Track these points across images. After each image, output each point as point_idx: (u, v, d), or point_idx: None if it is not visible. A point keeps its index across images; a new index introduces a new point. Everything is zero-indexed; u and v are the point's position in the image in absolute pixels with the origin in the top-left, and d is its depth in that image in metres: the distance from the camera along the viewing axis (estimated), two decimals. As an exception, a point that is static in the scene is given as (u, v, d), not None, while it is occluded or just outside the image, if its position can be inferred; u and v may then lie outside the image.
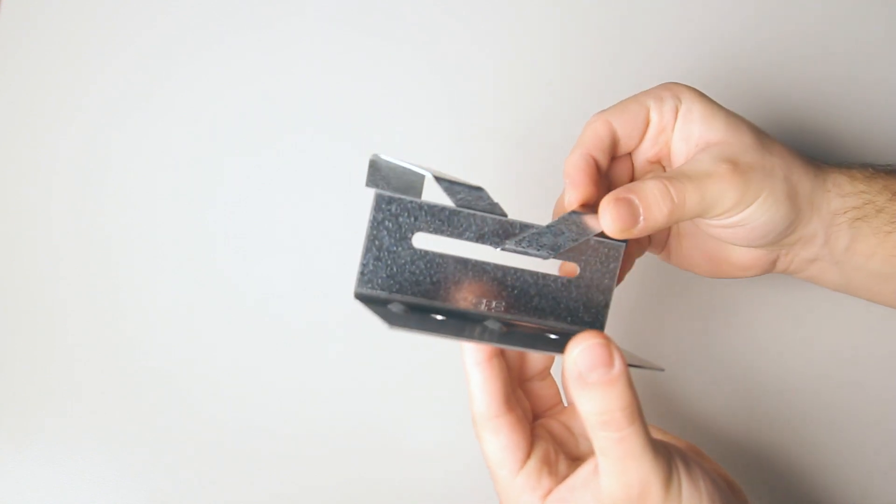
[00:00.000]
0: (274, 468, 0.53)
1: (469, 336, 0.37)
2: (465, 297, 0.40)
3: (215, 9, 0.59)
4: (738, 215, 0.42)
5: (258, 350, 0.54)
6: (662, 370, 0.41)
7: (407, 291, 0.39)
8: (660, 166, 0.46)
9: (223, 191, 0.56)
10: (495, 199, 0.41)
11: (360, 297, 0.39)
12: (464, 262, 0.40)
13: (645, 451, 0.36)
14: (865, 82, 0.57)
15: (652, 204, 0.40)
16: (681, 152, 0.44)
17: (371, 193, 0.40)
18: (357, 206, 0.56)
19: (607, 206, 0.40)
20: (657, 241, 0.48)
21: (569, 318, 0.42)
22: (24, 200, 0.56)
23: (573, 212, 0.41)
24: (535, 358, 0.42)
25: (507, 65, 0.58)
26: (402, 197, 0.39)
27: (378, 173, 0.39)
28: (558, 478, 0.40)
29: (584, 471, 0.38)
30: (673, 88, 0.44)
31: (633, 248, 0.46)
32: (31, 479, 0.52)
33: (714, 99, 0.44)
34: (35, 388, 0.54)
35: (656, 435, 0.41)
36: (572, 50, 0.58)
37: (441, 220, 0.39)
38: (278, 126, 0.57)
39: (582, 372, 0.35)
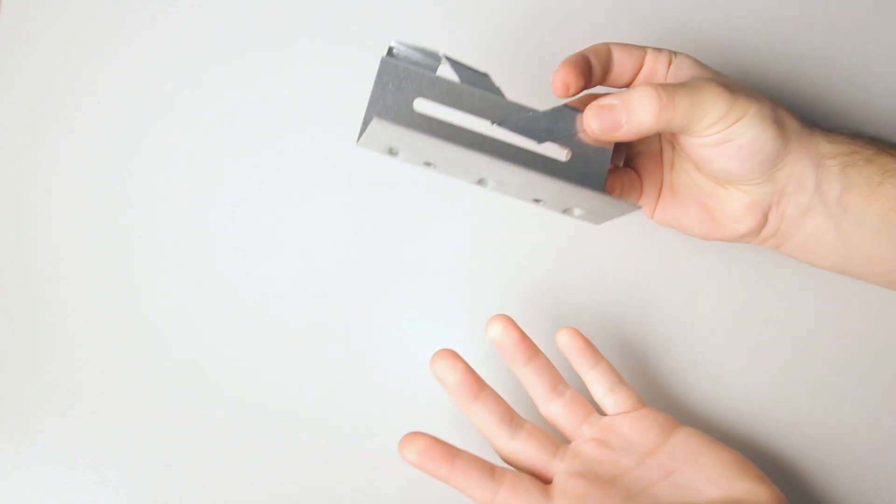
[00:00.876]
0: (274, 468, 0.53)
1: (457, 139, 0.41)
2: (458, 167, 0.42)
3: (215, 9, 0.59)
4: (725, 129, 0.43)
5: (258, 350, 0.54)
6: (639, 207, 0.44)
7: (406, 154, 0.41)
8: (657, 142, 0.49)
9: (223, 191, 0.56)
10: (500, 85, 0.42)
11: (369, 131, 0.40)
12: (463, 130, 0.42)
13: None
14: (849, 62, 0.57)
15: (637, 105, 0.42)
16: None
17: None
18: (357, 206, 0.56)
19: (590, 109, 0.43)
20: (647, 195, 0.49)
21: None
22: (24, 200, 0.56)
23: (566, 105, 0.44)
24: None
25: (507, 65, 0.58)
26: (408, 66, 0.40)
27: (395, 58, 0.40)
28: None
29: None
30: (671, 50, 0.47)
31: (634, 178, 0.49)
32: (31, 479, 0.52)
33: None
34: (35, 388, 0.54)
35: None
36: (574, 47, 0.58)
37: (442, 92, 0.41)
38: (278, 126, 0.57)
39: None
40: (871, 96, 0.57)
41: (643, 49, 0.46)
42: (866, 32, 0.57)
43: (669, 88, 0.42)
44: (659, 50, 0.46)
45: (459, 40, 0.58)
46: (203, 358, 0.54)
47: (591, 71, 0.45)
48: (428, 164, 0.42)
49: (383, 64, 0.40)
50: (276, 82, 0.58)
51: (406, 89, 0.40)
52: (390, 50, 0.41)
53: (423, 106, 0.41)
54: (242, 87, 0.58)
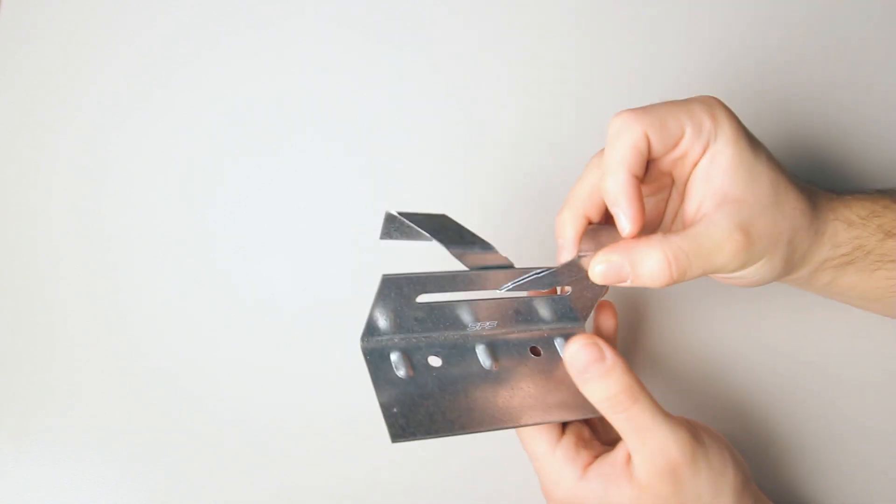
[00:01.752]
0: (274, 468, 0.53)
1: (469, 428, 0.41)
2: (462, 325, 0.43)
3: (215, 9, 0.59)
4: (734, 274, 0.43)
5: (258, 350, 0.54)
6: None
7: (408, 331, 0.42)
8: (669, 178, 0.46)
9: (223, 191, 0.56)
10: (503, 252, 0.43)
11: (365, 352, 0.41)
12: (458, 305, 0.43)
13: (655, 421, 0.41)
14: (884, 94, 0.57)
15: (645, 274, 0.41)
16: (697, 191, 0.43)
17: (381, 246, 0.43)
18: (357, 205, 0.56)
19: (598, 265, 0.42)
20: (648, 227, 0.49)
21: (554, 318, 0.45)
22: (24, 200, 0.56)
23: (575, 258, 0.44)
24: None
25: (508, 66, 0.58)
26: (409, 275, 0.41)
27: (392, 225, 0.41)
28: (594, 453, 0.44)
29: (620, 455, 0.42)
30: (713, 114, 0.43)
31: None
32: (31, 479, 0.52)
33: (743, 124, 0.43)
34: (35, 388, 0.54)
35: None
36: (575, 50, 0.58)
37: (446, 282, 0.42)
38: (278, 126, 0.57)
39: (580, 370, 0.41)
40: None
41: (681, 124, 0.42)
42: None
43: (683, 260, 0.41)
44: (699, 125, 0.42)
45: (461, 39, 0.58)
46: (203, 358, 0.54)
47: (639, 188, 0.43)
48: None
49: (384, 282, 0.40)
50: (275, 83, 0.58)
51: (407, 293, 0.41)
52: (388, 216, 0.41)
53: (426, 297, 0.42)
54: (242, 87, 0.58)
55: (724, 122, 0.43)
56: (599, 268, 0.42)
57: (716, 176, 0.43)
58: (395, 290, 0.41)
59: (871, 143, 0.57)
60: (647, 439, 0.41)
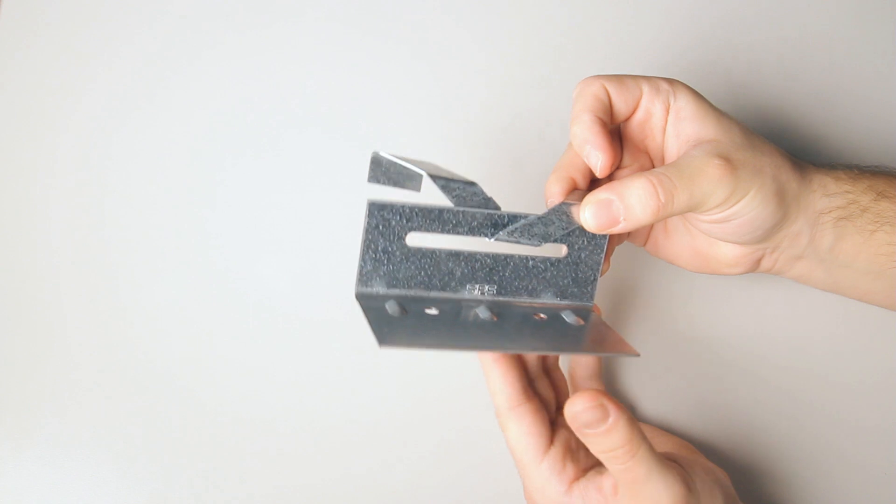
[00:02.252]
0: (274, 468, 0.53)
1: (458, 344, 0.40)
2: (459, 286, 0.43)
3: (216, 9, 0.59)
4: (727, 210, 0.43)
5: (258, 350, 0.54)
6: (637, 355, 0.43)
7: (403, 285, 0.42)
8: (646, 155, 0.47)
9: (223, 190, 0.56)
10: (489, 194, 0.42)
11: (360, 297, 0.41)
12: (456, 254, 0.42)
13: (651, 475, 0.40)
14: (854, 83, 0.57)
15: (636, 204, 0.41)
16: (672, 147, 0.45)
17: (369, 192, 0.41)
18: (357, 205, 0.56)
19: (587, 206, 0.42)
20: (638, 234, 0.49)
21: (559, 295, 0.45)
22: (23, 200, 0.56)
23: (563, 203, 0.43)
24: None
25: (504, 61, 0.58)
26: (394, 202, 0.40)
27: (379, 169, 0.41)
28: (581, 466, 0.43)
29: (607, 484, 0.42)
30: (670, 82, 0.45)
31: (613, 238, 0.47)
32: (31, 479, 0.52)
33: (704, 96, 0.45)
34: (35, 388, 0.54)
35: (648, 433, 0.43)
36: (568, 47, 0.58)
37: (433, 219, 0.41)
38: (278, 125, 0.57)
39: (581, 429, 0.40)
40: (880, 123, 0.57)
41: (638, 85, 0.45)
42: (875, 61, 0.57)
43: (667, 182, 0.41)
44: (656, 86, 0.45)
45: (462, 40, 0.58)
46: (203, 358, 0.54)
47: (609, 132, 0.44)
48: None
49: (370, 206, 0.40)
50: (275, 82, 0.58)
51: (396, 228, 0.41)
52: (374, 157, 0.40)
53: (416, 238, 0.41)
54: (243, 86, 0.58)
55: (680, 87, 0.45)
56: (589, 209, 0.41)
57: (684, 127, 0.44)
58: (383, 221, 0.40)
59: (848, 127, 0.57)
60: (640, 491, 0.40)
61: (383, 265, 0.41)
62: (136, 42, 0.58)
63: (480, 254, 0.42)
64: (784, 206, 0.44)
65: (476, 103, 0.57)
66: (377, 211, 0.40)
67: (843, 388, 0.54)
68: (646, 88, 0.45)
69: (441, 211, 0.41)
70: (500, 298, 0.43)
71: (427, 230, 0.41)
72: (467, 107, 0.57)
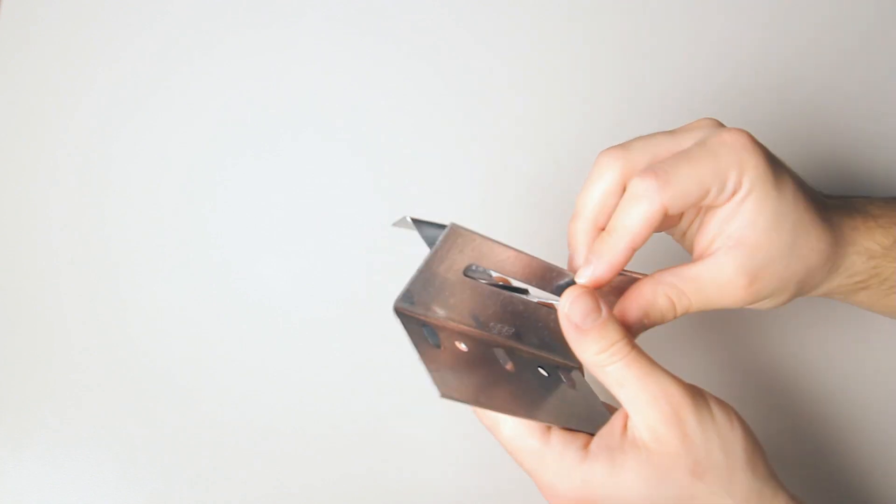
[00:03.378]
0: (274, 468, 0.53)
1: (506, 407, 0.39)
2: (485, 322, 0.42)
3: (216, 10, 0.59)
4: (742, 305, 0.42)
5: (258, 350, 0.54)
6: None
7: (440, 310, 0.41)
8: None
9: (223, 190, 0.56)
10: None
11: (399, 313, 0.40)
12: (497, 293, 0.41)
13: (655, 367, 0.39)
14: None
15: (651, 313, 0.41)
16: (712, 229, 0.42)
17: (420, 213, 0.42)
18: (358, 206, 0.56)
19: (572, 302, 0.40)
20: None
21: (567, 355, 0.43)
22: (23, 200, 0.56)
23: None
24: None
25: (512, 64, 0.58)
26: (476, 233, 0.39)
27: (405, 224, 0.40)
28: (586, 437, 0.41)
29: (616, 423, 0.40)
30: (741, 161, 0.40)
31: None
32: (31, 479, 0.52)
33: (776, 167, 0.41)
34: (35, 388, 0.54)
35: None
36: (580, 47, 0.58)
37: (503, 258, 0.40)
38: (278, 125, 0.57)
39: (577, 323, 0.39)
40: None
41: (703, 187, 0.40)
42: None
43: (684, 300, 0.41)
44: (723, 182, 0.40)
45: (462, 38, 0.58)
46: (203, 358, 0.54)
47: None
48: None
49: (451, 227, 0.38)
50: (276, 83, 0.58)
51: (465, 255, 0.40)
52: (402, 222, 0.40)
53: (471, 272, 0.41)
54: (243, 87, 0.58)
55: (751, 170, 0.40)
56: (575, 309, 0.40)
57: (735, 220, 0.41)
58: (456, 246, 0.39)
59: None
60: (647, 384, 0.38)
61: (432, 287, 0.40)
62: (136, 42, 0.58)
63: (518, 299, 0.42)
64: (802, 289, 0.43)
65: (483, 104, 0.57)
66: (456, 237, 0.39)
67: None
68: (713, 189, 0.40)
69: (517, 256, 0.40)
70: (514, 342, 0.43)
71: (491, 267, 0.40)
72: (474, 107, 0.57)
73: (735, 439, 0.40)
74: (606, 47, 0.58)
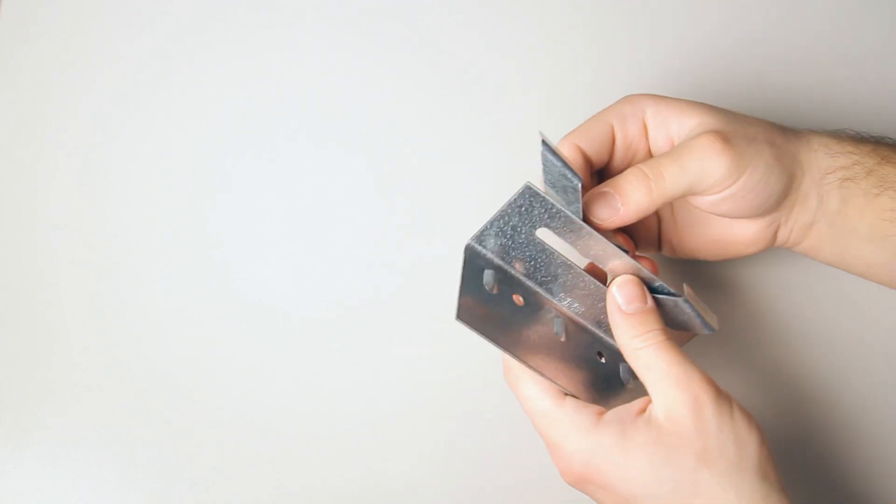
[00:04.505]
0: (274, 468, 0.53)
1: (521, 354, 0.41)
2: (554, 291, 0.43)
3: (217, 10, 0.59)
4: (732, 187, 0.42)
5: (258, 350, 0.54)
6: (714, 330, 0.43)
7: (509, 262, 0.43)
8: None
9: (223, 190, 0.56)
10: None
11: (469, 249, 0.42)
12: (568, 265, 0.43)
13: (685, 359, 0.40)
14: (851, 57, 0.57)
15: (628, 189, 0.42)
16: (664, 148, 0.45)
17: (525, 176, 0.42)
18: (358, 205, 0.56)
19: (587, 201, 0.42)
20: (646, 238, 0.49)
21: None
22: (23, 200, 0.56)
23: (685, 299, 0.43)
24: None
25: (510, 66, 0.58)
26: (547, 198, 0.40)
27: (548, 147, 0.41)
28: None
29: (636, 405, 0.41)
30: (634, 101, 0.45)
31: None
32: (31, 479, 0.52)
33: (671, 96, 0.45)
34: (35, 388, 0.54)
35: None
36: (573, 51, 0.58)
37: (570, 230, 0.41)
38: (278, 125, 0.57)
39: (622, 305, 0.41)
40: (878, 94, 0.57)
41: (606, 123, 0.45)
42: (875, 32, 0.57)
43: (654, 164, 0.42)
44: (622, 116, 0.45)
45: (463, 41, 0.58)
46: (203, 358, 0.54)
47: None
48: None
49: (525, 190, 0.40)
50: (276, 83, 0.58)
51: (535, 217, 0.41)
52: (544, 144, 0.40)
53: (543, 233, 0.42)
54: (243, 87, 0.58)
55: (646, 99, 0.45)
56: (594, 204, 0.42)
57: (667, 128, 0.45)
58: (528, 205, 0.40)
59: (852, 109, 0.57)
60: (672, 369, 0.39)
61: (504, 238, 0.42)
62: (136, 42, 0.58)
63: (588, 278, 0.43)
64: (787, 169, 0.44)
65: (485, 104, 0.57)
66: (529, 196, 0.40)
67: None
68: (614, 122, 0.45)
69: (581, 227, 0.41)
70: (579, 320, 0.44)
71: (557, 234, 0.42)
72: (475, 107, 0.57)
73: (750, 441, 0.40)
74: (608, 47, 0.58)
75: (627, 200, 0.42)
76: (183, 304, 0.55)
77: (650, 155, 0.46)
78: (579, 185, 0.40)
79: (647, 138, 0.45)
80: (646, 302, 0.41)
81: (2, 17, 0.58)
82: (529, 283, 0.43)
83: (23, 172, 0.57)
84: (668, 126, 0.44)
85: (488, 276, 0.42)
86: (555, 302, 0.44)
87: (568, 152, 0.45)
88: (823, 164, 0.45)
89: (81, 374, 0.54)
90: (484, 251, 0.42)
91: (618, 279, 0.42)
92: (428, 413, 0.53)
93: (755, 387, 0.54)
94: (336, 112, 0.57)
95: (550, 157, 0.40)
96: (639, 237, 0.48)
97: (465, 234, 0.55)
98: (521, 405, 0.43)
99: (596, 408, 0.41)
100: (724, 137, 0.42)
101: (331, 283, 0.55)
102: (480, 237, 0.42)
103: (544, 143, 0.40)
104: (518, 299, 0.43)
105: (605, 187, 0.42)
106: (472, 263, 0.42)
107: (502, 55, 0.58)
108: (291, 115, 0.57)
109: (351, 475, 0.53)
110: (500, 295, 0.42)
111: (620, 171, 0.45)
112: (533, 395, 0.42)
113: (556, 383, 0.42)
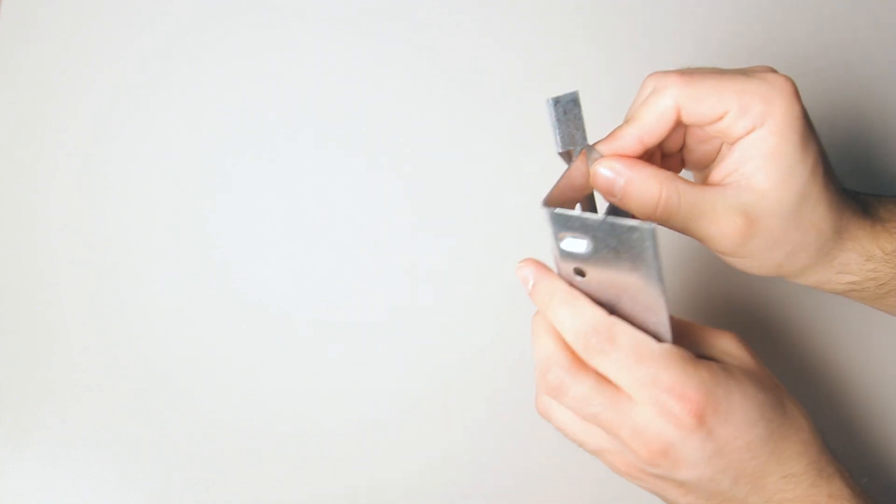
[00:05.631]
0: (274, 468, 0.53)
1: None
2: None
3: (217, 10, 0.59)
4: (722, 253, 0.41)
5: (258, 350, 0.54)
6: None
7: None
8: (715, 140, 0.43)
9: (223, 190, 0.56)
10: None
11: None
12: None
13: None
14: None
15: (633, 192, 0.39)
16: (731, 163, 0.41)
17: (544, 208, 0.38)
18: (358, 205, 0.56)
19: (601, 167, 0.40)
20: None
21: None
22: (23, 200, 0.56)
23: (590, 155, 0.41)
24: None
25: (511, 65, 0.58)
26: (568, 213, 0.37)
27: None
28: None
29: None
30: (769, 97, 0.39)
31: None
32: (31, 479, 0.52)
33: (805, 119, 0.40)
34: (35, 388, 0.54)
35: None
36: (576, 47, 0.58)
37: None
38: (278, 125, 0.57)
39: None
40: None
41: (723, 104, 0.40)
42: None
43: (672, 203, 0.39)
44: (745, 110, 0.39)
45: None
46: (203, 358, 0.54)
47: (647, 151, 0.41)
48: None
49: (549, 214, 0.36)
50: (276, 84, 0.58)
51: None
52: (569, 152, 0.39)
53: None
54: (243, 88, 0.58)
55: (779, 109, 0.39)
56: (603, 171, 0.39)
57: (751, 159, 0.40)
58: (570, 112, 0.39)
59: None
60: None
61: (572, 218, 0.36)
62: (136, 42, 0.58)
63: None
64: (784, 271, 0.43)
65: (479, 103, 0.57)
66: (556, 219, 0.36)
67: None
68: (732, 112, 0.39)
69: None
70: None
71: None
72: (469, 107, 0.57)
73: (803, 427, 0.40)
74: (611, 46, 0.58)
75: (627, 192, 0.39)
76: (183, 304, 0.55)
77: (715, 149, 0.42)
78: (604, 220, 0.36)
79: (740, 138, 0.40)
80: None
81: (2, 17, 0.58)
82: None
83: (23, 172, 0.57)
84: (748, 161, 0.40)
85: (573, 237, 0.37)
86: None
87: (668, 114, 0.40)
88: (829, 276, 0.43)
89: (81, 374, 0.54)
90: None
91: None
92: (428, 413, 0.53)
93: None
94: (336, 112, 0.57)
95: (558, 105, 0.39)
96: None
97: (466, 233, 0.55)
98: (620, 363, 0.37)
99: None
100: (750, 229, 0.40)
101: (331, 283, 0.55)
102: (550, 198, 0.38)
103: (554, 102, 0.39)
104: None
105: (621, 165, 0.39)
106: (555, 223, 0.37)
107: (502, 55, 0.58)
108: (291, 115, 0.57)
109: (351, 475, 0.53)
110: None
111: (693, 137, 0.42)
112: (639, 338, 0.37)
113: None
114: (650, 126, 0.40)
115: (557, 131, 0.41)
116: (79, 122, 0.57)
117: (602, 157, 0.40)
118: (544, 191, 0.53)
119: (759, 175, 0.40)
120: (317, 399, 0.53)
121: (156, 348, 0.54)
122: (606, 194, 0.40)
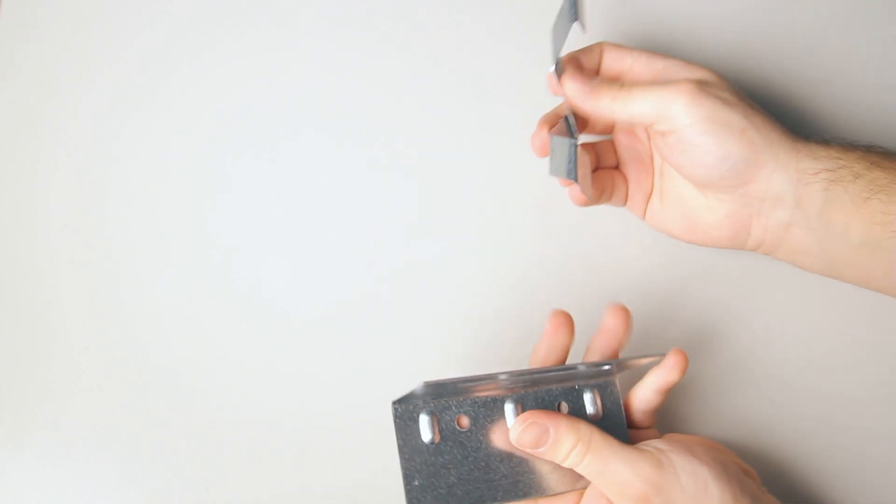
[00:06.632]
0: (274, 468, 0.53)
1: (487, 500, 0.43)
2: (495, 376, 0.43)
3: (216, 10, 0.59)
4: (686, 128, 0.44)
5: (258, 350, 0.54)
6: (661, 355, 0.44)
7: (439, 396, 0.43)
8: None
9: (224, 190, 0.56)
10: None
11: (396, 414, 0.43)
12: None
13: (610, 462, 0.41)
14: (853, 68, 0.57)
15: (601, 89, 0.45)
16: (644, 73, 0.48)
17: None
18: (358, 205, 0.56)
19: (563, 80, 0.47)
20: (639, 190, 0.51)
21: (589, 370, 0.45)
22: (23, 200, 0.56)
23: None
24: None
25: (512, 65, 0.58)
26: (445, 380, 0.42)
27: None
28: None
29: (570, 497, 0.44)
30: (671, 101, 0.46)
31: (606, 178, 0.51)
32: (31, 479, 0.52)
33: None
34: (35, 388, 0.54)
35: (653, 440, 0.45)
36: (574, 48, 0.58)
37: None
38: (278, 125, 0.57)
39: (532, 448, 0.43)
40: (873, 104, 0.57)
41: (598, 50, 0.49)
42: (869, 38, 0.57)
43: (631, 83, 0.46)
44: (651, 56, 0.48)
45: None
46: (203, 358, 0.54)
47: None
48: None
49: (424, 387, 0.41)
50: (276, 83, 0.58)
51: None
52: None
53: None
54: (243, 87, 0.58)
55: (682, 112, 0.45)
56: (564, 80, 0.47)
57: (657, 64, 0.47)
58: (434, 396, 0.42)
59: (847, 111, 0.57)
60: (606, 479, 0.42)
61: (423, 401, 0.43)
62: (136, 42, 0.58)
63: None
64: (753, 145, 0.44)
65: (480, 103, 0.57)
66: (430, 391, 0.42)
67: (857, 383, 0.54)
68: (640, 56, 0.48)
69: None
70: (533, 376, 0.44)
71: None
72: (470, 107, 0.57)
73: (709, 500, 0.42)
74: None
75: (598, 95, 0.45)
76: (183, 304, 0.55)
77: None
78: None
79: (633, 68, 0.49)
80: (548, 434, 0.42)
81: (2, 17, 0.58)
82: (470, 385, 0.43)
83: (23, 172, 0.57)
84: (657, 63, 0.48)
85: (424, 421, 0.42)
86: (502, 383, 0.44)
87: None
88: (804, 164, 0.45)
89: (81, 374, 0.54)
90: (412, 402, 0.42)
91: (513, 430, 0.43)
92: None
93: (749, 397, 0.54)
94: (336, 112, 0.57)
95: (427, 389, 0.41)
96: (633, 186, 0.51)
97: (466, 233, 0.55)
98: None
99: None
100: (702, 87, 0.44)
101: (331, 283, 0.55)
102: (405, 398, 0.42)
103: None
104: (464, 420, 0.43)
105: (583, 81, 0.46)
106: (404, 423, 0.42)
107: (503, 54, 0.58)
108: (291, 115, 0.57)
109: (351, 475, 0.53)
110: (443, 440, 0.43)
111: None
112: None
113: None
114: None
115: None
116: (79, 122, 0.57)
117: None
118: (545, 190, 0.53)
119: (678, 67, 0.47)
120: (317, 399, 0.54)
121: (156, 348, 0.54)
122: (575, 98, 0.47)
